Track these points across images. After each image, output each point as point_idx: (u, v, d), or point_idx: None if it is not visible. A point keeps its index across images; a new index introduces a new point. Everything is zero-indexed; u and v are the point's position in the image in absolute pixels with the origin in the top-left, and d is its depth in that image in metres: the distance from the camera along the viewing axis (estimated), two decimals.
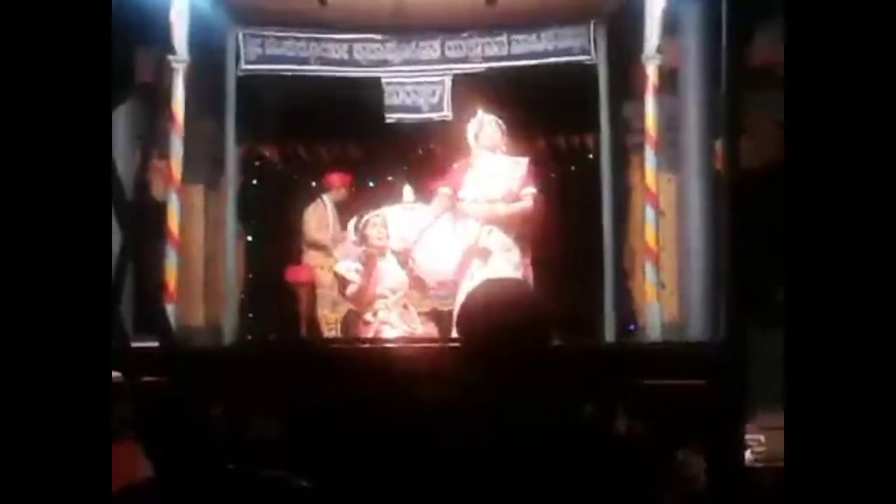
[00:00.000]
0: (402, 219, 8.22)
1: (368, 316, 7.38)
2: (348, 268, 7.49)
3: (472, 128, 7.46)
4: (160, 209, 7.97)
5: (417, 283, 7.59)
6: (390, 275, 7.50)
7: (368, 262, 7.38)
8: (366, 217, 7.70)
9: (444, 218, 7.69)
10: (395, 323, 7.31)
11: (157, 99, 7.84)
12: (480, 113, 7.49)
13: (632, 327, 8.91)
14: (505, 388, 2.26)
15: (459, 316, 2.43)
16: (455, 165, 7.56)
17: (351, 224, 7.76)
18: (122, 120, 7.70)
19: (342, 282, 7.50)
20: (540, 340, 2.31)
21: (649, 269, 7.78)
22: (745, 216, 2.09)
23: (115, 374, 2.19)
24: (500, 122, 7.42)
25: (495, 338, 2.27)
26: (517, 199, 7.26)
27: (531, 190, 7.31)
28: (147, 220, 8.05)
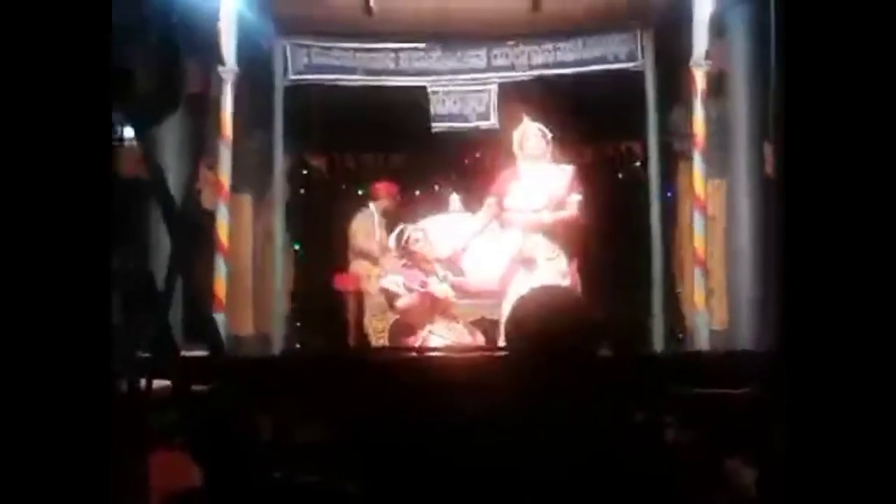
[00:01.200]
0: (446, 228, 8.23)
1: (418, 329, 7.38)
2: (394, 282, 7.49)
3: (516, 136, 7.44)
4: (210, 219, 8.04)
5: (464, 291, 7.58)
6: (436, 288, 7.49)
7: (420, 284, 7.38)
8: (407, 232, 7.68)
9: (490, 227, 7.69)
10: (443, 333, 7.30)
11: (205, 110, 7.92)
12: (525, 121, 7.47)
13: (681, 335, 8.85)
14: (553, 394, 2.25)
15: (508, 322, 2.43)
16: (501, 174, 7.55)
17: (392, 237, 7.76)
18: (171, 131, 7.76)
19: (389, 295, 7.50)
20: (587, 347, 2.30)
21: (698, 275, 7.73)
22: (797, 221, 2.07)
23: (164, 382, 2.21)
24: (545, 129, 7.40)
25: (543, 344, 2.26)
26: (563, 206, 7.24)
27: (577, 197, 7.28)
28: (196, 229, 8.16)
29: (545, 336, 2.27)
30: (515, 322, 2.36)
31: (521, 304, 2.40)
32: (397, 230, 7.74)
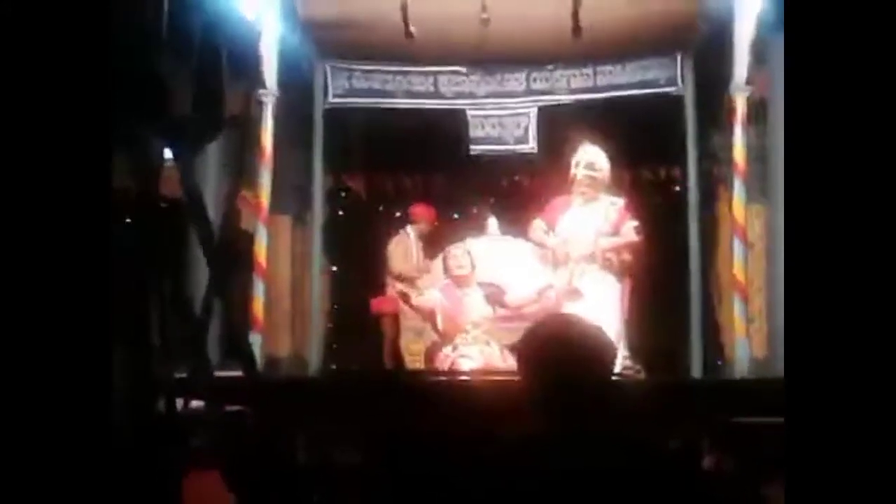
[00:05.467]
0: (489, 251, 8.23)
1: (447, 349, 7.37)
2: (431, 297, 7.51)
3: (575, 161, 7.35)
4: (248, 240, 8.09)
5: (505, 312, 7.57)
6: (474, 309, 7.48)
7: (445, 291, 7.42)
8: (448, 249, 7.73)
9: (535, 253, 7.69)
10: (475, 356, 7.28)
11: (245, 132, 7.97)
12: (586, 146, 7.39)
13: (720, 362, 8.77)
14: (568, 423, 2.24)
15: (517, 349, 2.42)
16: (552, 201, 7.51)
17: (439, 258, 7.81)
18: (211, 152, 7.83)
19: (427, 312, 7.51)
20: (598, 377, 2.29)
21: (737, 303, 7.66)
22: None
23: (198, 402, 2.21)
24: (603, 159, 7.32)
25: (553, 375, 2.25)
26: (618, 234, 7.22)
27: (632, 224, 7.26)
28: (235, 251, 8.21)
29: (551, 365, 2.26)
30: (524, 348, 2.35)
31: (532, 331, 2.39)
32: (445, 252, 7.79)
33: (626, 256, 7.29)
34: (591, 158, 7.34)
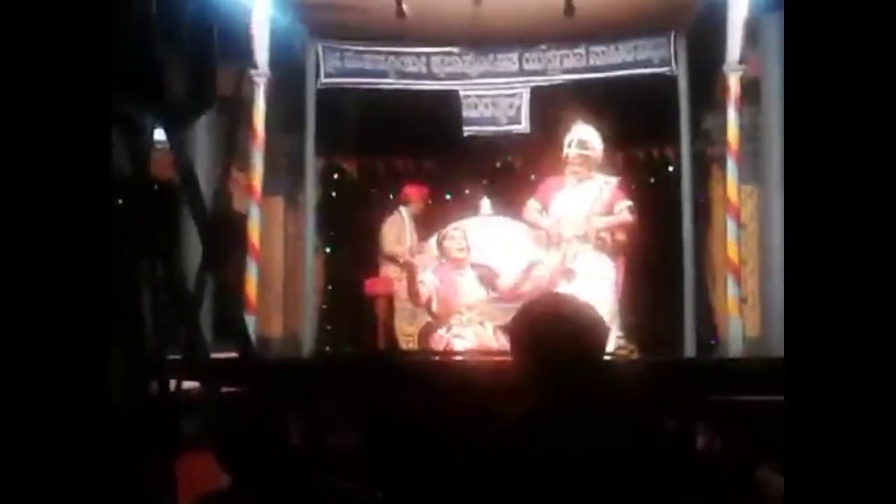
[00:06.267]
0: (483, 232, 8.23)
1: (442, 331, 7.37)
2: (427, 281, 7.51)
3: (567, 142, 7.37)
4: (241, 222, 8.08)
5: (499, 294, 7.57)
6: (469, 291, 7.48)
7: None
8: (445, 229, 7.72)
9: (529, 233, 7.69)
10: (468, 337, 7.28)
11: (237, 113, 7.95)
12: (579, 125, 7.41)
13: (713, 342, 8.79)
14: (561, 402, 2.24)
15: (509, 327, 2.42)
16: (546, 181, 7.52)
17: (433, 239, 7.79)
18: (203, 134, 7.81)
19: (426, 300, 7.50)
20: (590, 355, 2.28)
21: (731, 282, 7.68)
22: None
23: (193, 384, 2.21)
24: (596, 138, 7.34)
25: (545, 353, 2.25)
26: (609, 215, 7.23)
27: (626, 203, 7.28)
28: (228, 232, 8.19)
29: (542, 343, 2.25)
30: (516, 328, 2.34)
31: (524, 310, 2.39)
32: (438, 233, 7.78)
33: (620, 236, 7.30)
34: (583, 138, 7.35)
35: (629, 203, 7.33)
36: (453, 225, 8.15)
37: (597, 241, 7.17)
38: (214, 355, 2.31)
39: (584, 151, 7.30)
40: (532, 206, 7.48)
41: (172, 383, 2.12)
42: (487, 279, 7.57)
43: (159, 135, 2.14)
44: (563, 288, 6.91)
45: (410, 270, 7.60)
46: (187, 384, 2.19)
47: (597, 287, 6.80)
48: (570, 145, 7.34)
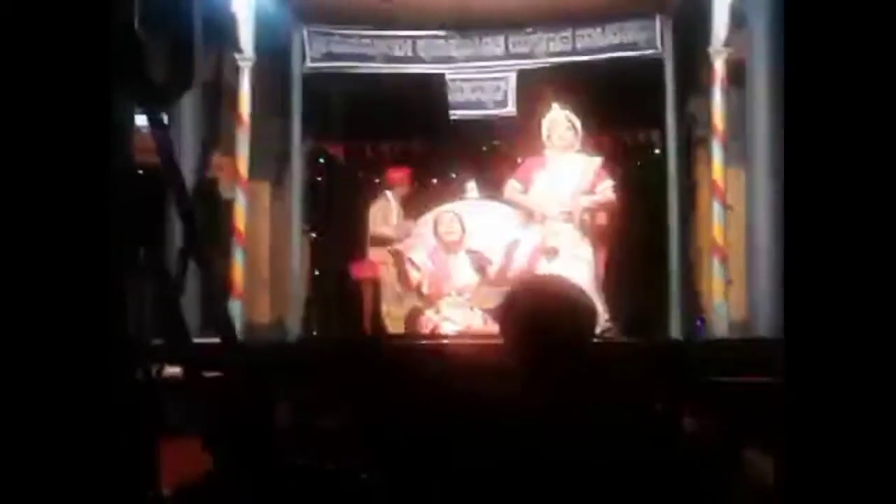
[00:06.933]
0: (473, 214, 8.24)
1: (431, 313, 7.38)
2: (420, 261, 7.52)
3: (545, 124, 7.43)
4: (227, 206, 8.06)
5: (486, 278, 7.58)
6: (460, 275, 7.49)
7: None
8: (437, 212, 7.72)
9: (517, 216, 7.70)
10: (457, 320, 7.30)
11: (223, 97, 7.92)
12: (555, 108, 7.45)
13: (699, 324, 8.82)
14: (551, 384, 2.24)
15: (499, 310, 2.41)
16: (525, 161, 7.53)
17: (421, 219, 7.80)
18: (188, 118, 7.77)
19: (416, 283, 7.51)
20: (578, 338, 2.28)
21: (717, 265, 7.70)
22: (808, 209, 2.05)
23: (176, 369, 2.20)
24: (574, 119, 7.39)
25: (533, 335, 2.25)
26: (592, 195, 7.24)
27: (609, 182, 7.29)
28: (213, 217, 8.18)
29: (534, 325, 2.25)
30: (506, 310, 2.34)
31: (514, 292, 2.38)
32: (432, 212, 7.79)
33: (601, 218, 7.31)
34: (560, 120, 7.37)
35: (612, 183, 7.35)
36: (446, 208, 8.15)
37: (580, 222, 7.18)
38: (198, 340, 2.30)
39: (562, 133, 7.33)
40: (513, 185, 7.50)
41: (154, 368, 2.11)
42: (480, 265, 7.58)
43: (140, 119, 2.12)
44: (544, 266, 6.94)
45: (398, 258, 7.62)
46: (170, 369, 2.19)
47: (575, 267, 6.82)
48: (547, 128, 7.37)
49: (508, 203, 7.77)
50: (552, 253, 7.10)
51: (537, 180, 7.33)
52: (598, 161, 7.42)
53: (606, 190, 7.29)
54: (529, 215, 7.42)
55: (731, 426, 3.91)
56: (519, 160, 7.68)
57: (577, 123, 7.41)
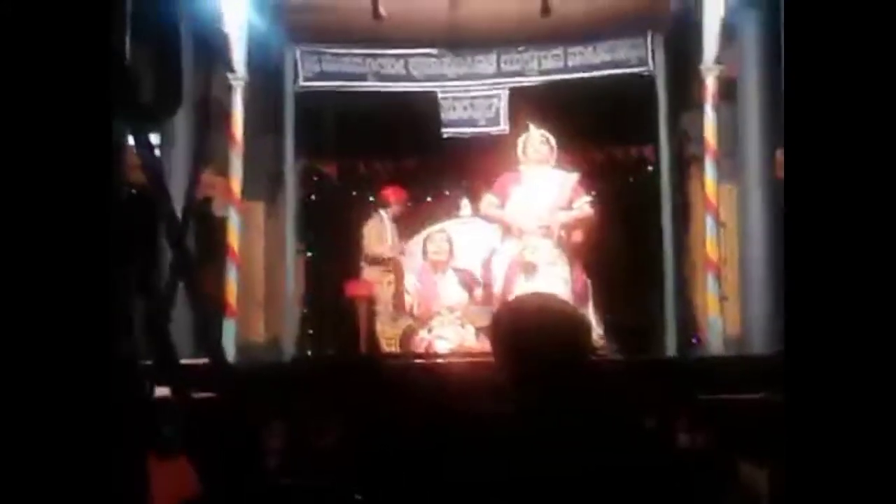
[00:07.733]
0: (464, 233, 8.24)
1: (423, 332, 7.38)
2: (409, 281, 7.53)
3: (520, 142, 7.49)
4: (221, 225, 8.05)
5: (474, 297, 7.59)
6: (450, 294, 7.49)
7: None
8: (428, 231, 7.73)
9: (488, 228, 7.72)
10: (450, 338, 7.29)
11: (216, 117, 7.92)
12: (531, 128, 7.51)
13: (694, 340, 8.81)
14: (545, 402, 2.23)
15: (488, 330, 2.41)
16: (501, 176, 7.57)
17: (416, 238, 7.81)
18: (181, 138, 7.78)
19: (408, 305, 7.51)
20: (574, 355, 2.28)
21: (711, 281, 7.70)
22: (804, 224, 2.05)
23: (164, 390, 2.19)
24: (549, 136, 7.43)
25: (525, 354, 2.24)
26: (569, 210, 7.25)
27: (585, 199, 7.31)
28: (207, 236, 8.16)
29: (524, 344, 2.25)
30: (495, 328, 2.34)
31: (501, 311, 2.38)
32: (422, 234, 7.79)
33: (578, 234, 7.33)
34: (535, 136, 7.42)
35: (588, 198, 7.37)
36: (437, 227, 8.15)
37: (558, 239, 7.19)
38: (187, 361, 2.29)
39: (536, 146, 7.38)
40: (489, 200, 7.53)
41: (146, 387, 2.10)
42: (468, 284, 7.58)
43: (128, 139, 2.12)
44: (522, 282, 6.94)
45: (398, 269, 7.63)
46: (159, 390, 2.18)
47: (553, 284, 6.81)
48: (522, 141, 7.43)
49: (485, 218, 7.79)
50: (531, 268, 7.09)
51: (513, 194, 7.35)
52: (574, 177, 7.44)
53: (584, 205, 7.30)
54: (507, 229, 7.44)
55: (725, 442, 3.91)
56: (501, 177, 7.69)
57: (552, 140, 7.45)
